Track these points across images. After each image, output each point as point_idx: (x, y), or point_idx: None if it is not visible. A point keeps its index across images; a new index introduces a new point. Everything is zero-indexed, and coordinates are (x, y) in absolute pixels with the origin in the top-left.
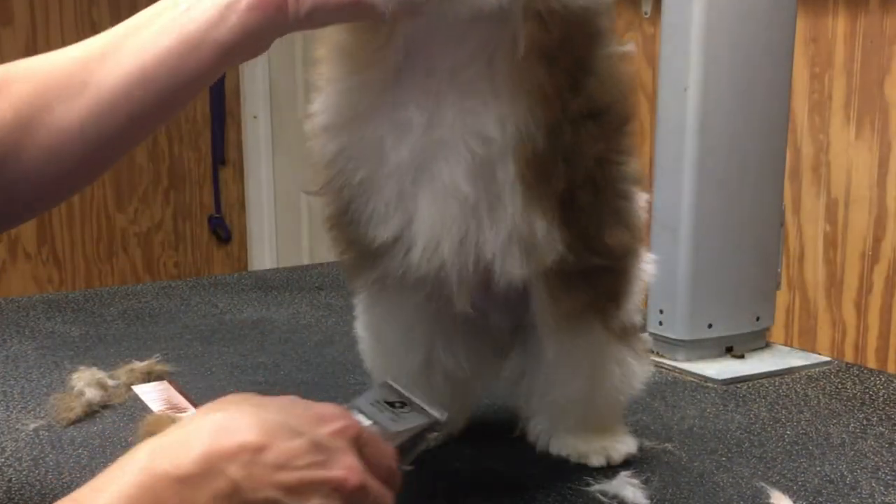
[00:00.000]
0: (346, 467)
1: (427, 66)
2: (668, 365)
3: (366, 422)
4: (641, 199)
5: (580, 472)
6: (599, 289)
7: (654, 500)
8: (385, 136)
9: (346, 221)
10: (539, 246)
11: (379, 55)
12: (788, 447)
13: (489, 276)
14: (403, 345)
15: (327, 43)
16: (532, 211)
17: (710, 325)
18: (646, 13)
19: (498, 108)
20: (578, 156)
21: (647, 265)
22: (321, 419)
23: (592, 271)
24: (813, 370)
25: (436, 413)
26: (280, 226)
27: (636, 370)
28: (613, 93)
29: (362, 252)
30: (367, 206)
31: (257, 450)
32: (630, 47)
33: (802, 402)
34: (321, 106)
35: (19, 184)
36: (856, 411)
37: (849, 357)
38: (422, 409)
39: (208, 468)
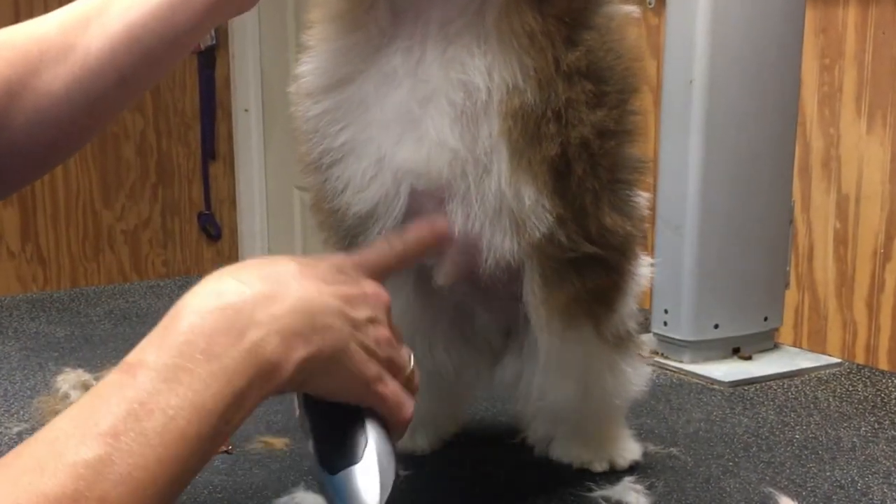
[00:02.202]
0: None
1: (414, 21)
2: (673, 367)
3: None
4: (643, 196)
5: (582, 477)
6: (591, 284)
7: None
8: (369, 95)
9: (326, 195)
10: (527, 217)
11: (368, 17)
12: (797, 451)
13: (475, 256)
14: None
15: (319, 7)
16: (520, 175)
17: (716, 326)
18: (650, 3)
19: (484, 56)
20: (573, 119)
21: (645, 269)
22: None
23: (585, 262)
24: (823, 372)
25: None
26: (272, 223)
27: (631, 377)
28: (614, 54)
29: (343, 231)
30: (347, 171)
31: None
32: (634, 9)
33: (812, 405)
34: (307, 68)
35: (7, 152)
36: (867, 414)
37: (860, 358)
38: None
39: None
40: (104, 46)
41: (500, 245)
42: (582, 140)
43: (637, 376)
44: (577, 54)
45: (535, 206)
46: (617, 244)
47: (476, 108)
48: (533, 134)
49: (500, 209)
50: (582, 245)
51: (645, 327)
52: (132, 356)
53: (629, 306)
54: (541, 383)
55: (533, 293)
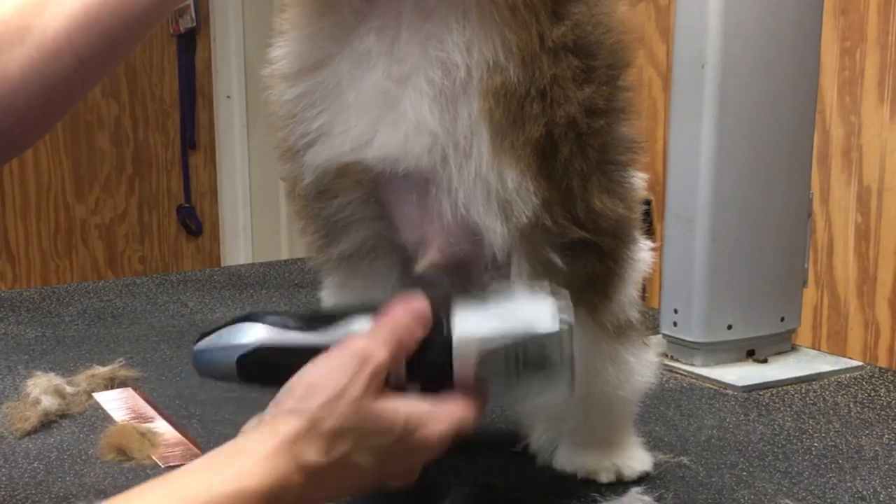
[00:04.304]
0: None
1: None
2: (684, 370)
3: None
4: (638, 177)
5: (586, 487)
6: (583, 270)
7: None
8: (344, 77)
9: (300, 178)
10: (512, 201)
11: None
12: (816, 460)
13: (459, 242)
14: None
15: None
16: (502, 158)
17: (729, 327)
18: None
19: (464, 32)
20: (559, 97)
21: (645, 254)
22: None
23: (575, 247)
24: (843, 376)
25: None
26: (256, 217)
27: (635, 368)
28: (603, 28)
29: (322, 220)
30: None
31: None
32: None
33: (831, 411)
34: (282, 52)
35: None
36: (890, 421)
37: (882, 361)
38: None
39: None
40: (60, 27)
41: (487, 229)
42: (569, 119)
43: (642, 367)
44: (563, 28)
45: (518, 189)
46: (608, 228)
47: (455, 87)
48: (516, 114)
49: (484, 193)
50: (569, 230)
51: (654, 328)
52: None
53: (628, 293)
54: None
55: (520, 280)
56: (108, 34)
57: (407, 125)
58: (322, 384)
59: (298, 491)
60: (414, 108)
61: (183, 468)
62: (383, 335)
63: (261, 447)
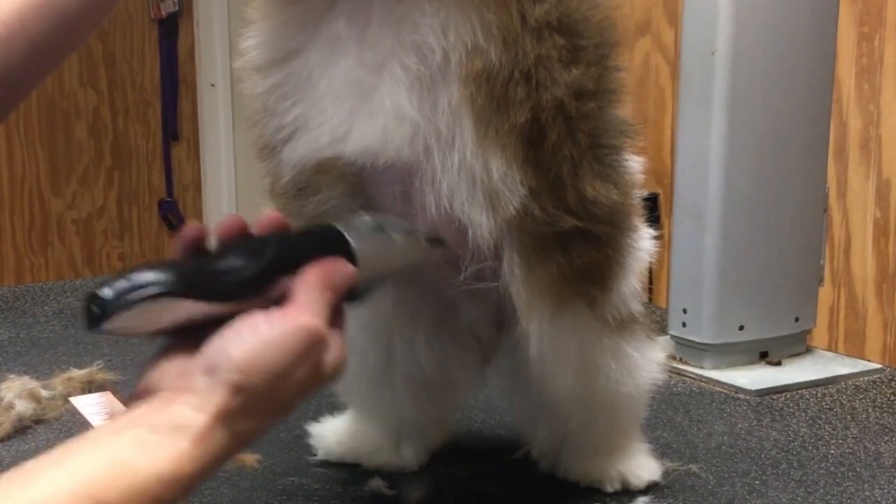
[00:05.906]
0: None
1: None
2: (693, 373)
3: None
4: (634, 161)
5: (590, 496)
6: (578, 260)
7: None
8: (316, 66)
9: (279, 175)
10: (499, 191)
11: None
12: (832, 468)
13: (449, 236)
14: (361, 339)
15: None
16: (486, 146)
17: (741, 328)
18: None
19: (438, 14)
20: (545, 79)
21: (646, 242)
22: None
23: (568, 237)
24: (861, 379)
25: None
26: (241, 211)
27: (639, 363)
28: (590, 3)
29: (306, 220)
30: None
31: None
32: None
33: (849, 417)
34: (253, 42)
35: None
36: None
37: None
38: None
39: None
40: (13, 11)
41: (473, 222)
42: (556, 103)
43: (647, 362)
44: (545, 6)
45: (504, 178)
46: (602, 215)
47: (432, 72)
48: (499, 99)
49: (469, 184)
50: (560, 218)
51: (661, 329)
52: None
53: (630, 284)
54: (537, 376)
55: (512, 272)
56: (63, 18)
57: (385, 115)
58: (265, 360)
59: (230, 455)
60: (391, 96)
61: (109, 431)
62: (320, 307)
63: (196, 423)
